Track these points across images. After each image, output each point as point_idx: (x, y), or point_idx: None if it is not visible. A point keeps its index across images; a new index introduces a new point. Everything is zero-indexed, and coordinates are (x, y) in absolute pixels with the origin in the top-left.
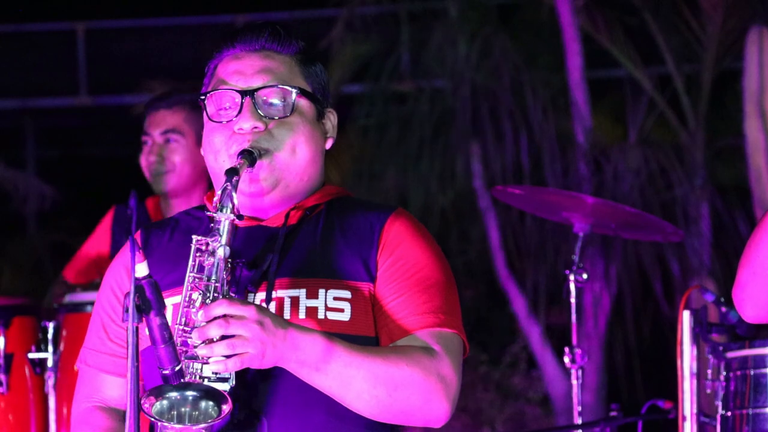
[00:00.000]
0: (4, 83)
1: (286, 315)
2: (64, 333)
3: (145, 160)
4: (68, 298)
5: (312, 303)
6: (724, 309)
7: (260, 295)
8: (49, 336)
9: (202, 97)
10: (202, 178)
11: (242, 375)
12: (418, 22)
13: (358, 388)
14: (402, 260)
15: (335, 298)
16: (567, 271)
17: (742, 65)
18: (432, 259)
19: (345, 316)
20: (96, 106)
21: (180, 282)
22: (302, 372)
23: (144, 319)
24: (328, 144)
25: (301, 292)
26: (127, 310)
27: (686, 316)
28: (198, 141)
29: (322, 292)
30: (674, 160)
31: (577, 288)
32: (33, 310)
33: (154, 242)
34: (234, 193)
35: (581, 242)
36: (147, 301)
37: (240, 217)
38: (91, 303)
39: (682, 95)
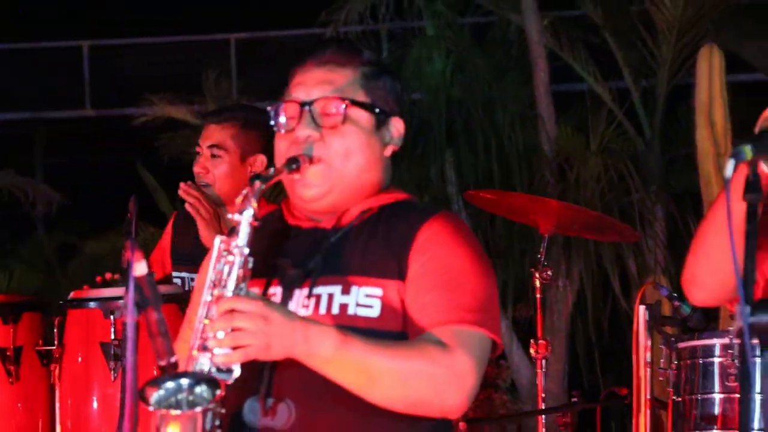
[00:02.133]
0: (14, 96)
1: (322, 310)
2: (68, 328)
3: (195, 170)
4: (71, 295)
5: (344, 299)
6: (676, 303)
7: (304, 292)
8: (55, 330)
9: (271, 108)
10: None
11: (271, 366)
12: (397, 40)
13: (369, 380)
14: (433, 261)
15: (366, 295)
16: (533, 269)
17: (693, 80)
18: (464, 261)
19: (374, 312)
20: (99, 118)
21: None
22: (314, 363)
23: (142, 313)
24: (388, 151)
25: (337, 289)
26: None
27: (642, 310)
28: (243, 157)
29: (354, 288)
30: (631, 168)
31: (542, 285)
32: (40, 306)
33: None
34: (254, 198)
35: (546, 243)
36: (145, 297)
37: (258, 220)
38: (92, 300)
39: (638, 108)
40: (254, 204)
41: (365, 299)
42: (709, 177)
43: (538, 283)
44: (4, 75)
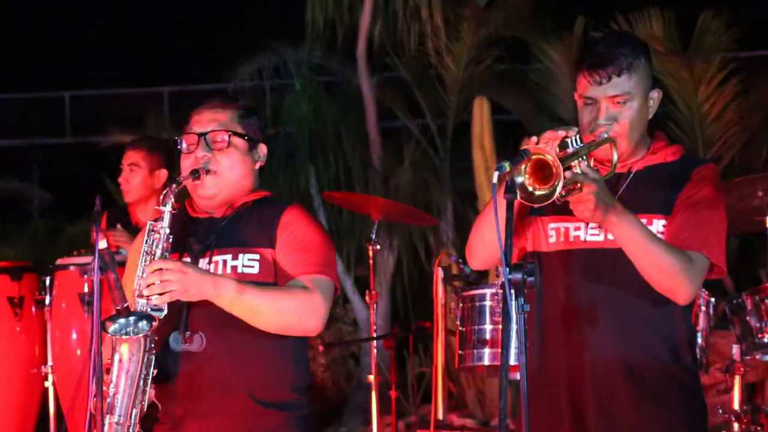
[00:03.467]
0: (19, 129)
1: (219, 271)
2: (56, 283)
3: (119, 181)
4: (58, 262)
5: (234, 263)
6: (461, 266)
7: (206, 260)
8: (47, 285)
9: (178, 138)
10: (154, 193)
11: (187, 307)
12: (276, 91)
13: (259, 313)
14: (294, 234)
15: (249, 259)
16: (368, 244)
17: (471, 119)
18: (314, 232)
19: (255, 270)
20: (77, 143)
21: (175, 250)
22: (221, 303)
23: (104, 274)
24: (257, 165)
25: (228, 256)
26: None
27: (439, 271)
28: (151, 171)
29: (241, 255)
30: (431, 176)
31: (373, 254)
32: (37, 269)
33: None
34: (172, 196)
35: (376, 226)
36: (106, 263)
37: (175, 210)
38: (72, 264)
39: (436, 137)
40: (173, 199)
41: (248, 262)
42: (481, 182)
43: (371, 253)
44: (6, 112)
